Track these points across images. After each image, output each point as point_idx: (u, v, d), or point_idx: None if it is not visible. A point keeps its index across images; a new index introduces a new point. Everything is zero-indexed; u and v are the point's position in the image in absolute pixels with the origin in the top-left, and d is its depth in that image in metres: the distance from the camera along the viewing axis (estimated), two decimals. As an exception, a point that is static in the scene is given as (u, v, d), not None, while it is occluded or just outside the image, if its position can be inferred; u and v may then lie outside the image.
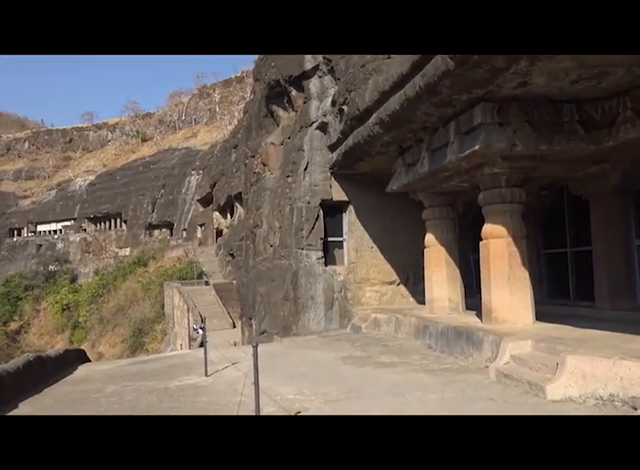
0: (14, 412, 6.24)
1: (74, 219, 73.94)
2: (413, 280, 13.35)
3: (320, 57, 12.34)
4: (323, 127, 12.57)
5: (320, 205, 12.81)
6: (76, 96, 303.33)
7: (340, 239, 13.36)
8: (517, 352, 6.53)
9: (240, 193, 26.40)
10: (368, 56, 9.09)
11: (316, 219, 12.75)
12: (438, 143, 8.69)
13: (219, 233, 43.82)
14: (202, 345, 10.45)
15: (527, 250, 8.41)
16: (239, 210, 33.05)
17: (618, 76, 6.38)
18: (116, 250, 63.32)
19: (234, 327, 25.67)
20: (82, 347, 26.61)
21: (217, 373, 8.01)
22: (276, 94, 14.58)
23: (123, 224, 67.77)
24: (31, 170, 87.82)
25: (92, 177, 77.04)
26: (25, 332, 52.91)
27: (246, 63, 70.33)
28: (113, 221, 70.31)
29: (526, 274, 8.16)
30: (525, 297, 8.11)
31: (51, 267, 59.22)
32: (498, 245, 8.14)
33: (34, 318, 54.10)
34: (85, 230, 72.00)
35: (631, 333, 6.57)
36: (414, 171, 9.73)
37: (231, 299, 28.74)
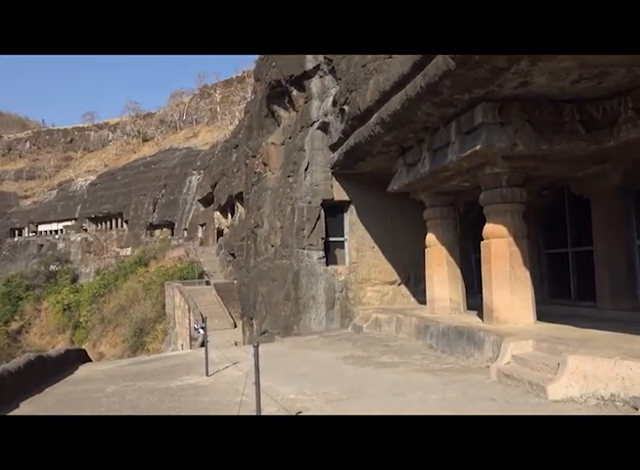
0: (15, 412, 6.25)
1: (75, 219, 74.02)
2: (414, 280, 13.35)
3: (321, 57, 12.34)
4: (324, 127, 12.57)
5: (321, 204, 12.81)
6: (77, 96, 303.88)
7: (341, 239, 13.36)
8: (518, 352, 6.52)
9: (241, 193, 26.41)
10: (369, 56, 9.09)
11: (317, 219, 12.75)
12: (439, 143, 8.69)
13: (220, 233, 43.84)
14: (203, 344, 10.45)
15: (529, 250, 8.40)
16: (240, 209, 33.06)
17: (620, 76, 6.37)
18: (118, 250, 63.36)
19: (235, 327, 25.69)
20: (83, 347, 26.61)
21: (218, 373, 8.02)
22: (277, 94, 14.58)
23: (124, 224, 67.82)
24: (32, 170, 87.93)
25: (93, 177, 77.12)
26: (27, 332, 52.93)
27: (247, 63, 70.30)
28: (114, 221, 70.36)
29: (528, 274, 8.15)
30: (527, 297, 8.10)
31: (52, 267, 59.24)
32: (499, 245, 8.13)
33: (35, 318, 54.13)
34: (86, 230, 72.06)
35: (632, 333, 6.57)
36: (415, 171, 9.72)
37: (232, 299, 28.75)
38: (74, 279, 57.73)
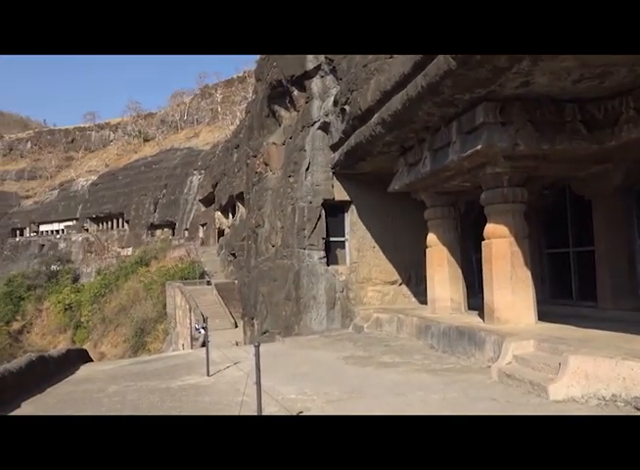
0: (16, 412, 6.26)
1: (77, 219, 74.07)
2: (415, 280, 13.35)
3: (322, 57, 12.34)
4: (325, 127, 12.57)
5: (322, 204, 12.81)
6: (79, 96, 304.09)
7: (342, 239, 13.36)
8: (519, 352, 6.52)
9: (242, 193, 26.40)
10: (370, 56, 9.09)
11: (318, 219, 12.75)
12: (440, 143, 8.68)
13: (221, 233, 43.85)
14: (204, 344, 10.45)
15: (530, 249, 8.40)
16: (241, 209, 33.08)
17: (621, 76, 6.36)
18: (119, 249, 63.40)
19: (236, 327, 25.69)
20: (84, 346, 26.65)
21: (219, 373, 8.02)
22: (278, 94, 14.58)
23: (125, 224, 67.86)
24: (34, 170, 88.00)
25: (94, 177, 77.15)
26: (28, 332, 52.98)
27: (248, 63, 70.29)
28: (115, 221, 70.40)
29: (529, 274, 8.14)
30: (528, 297, 8.10)
31: (53, 267, 59.28)
32: (500, 245, 8.13)
33: (37, 318, 54.18)
34: (87, 230, 72.11)
35: (634, 333, 6.56)
36: (416, 171, 9.72)
37: (233, 298, 28.76)
38: (76, 279, 57.77)
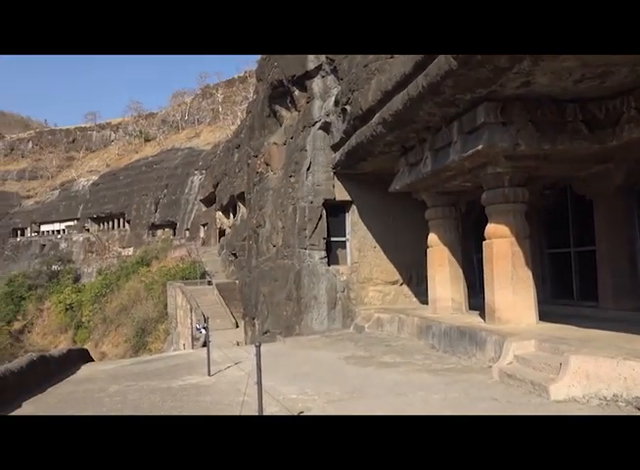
0: (17, 412, 6.26)
1: (78, 219, 74.14)
2: (416, 280, 13.34)
3: (323, 57, 12.34)
4: (326, 127, 12.57)
5: (323, 204, 12.81)
6: (80, 96, 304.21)
7: (342, 239, 13.36)
8: (520, 352, 6.51)
9: (242, 193, 26.41)
10: (371, 56, 9.08)
11: (319, 219, 12.75)
12: (441, 143, 8.68)
13: (222, 233, 43.87)
14: (204, 344, 10.45)
15: (531, 249, 8.39)
16: (242, 209, 33.09)
17: (622, 76, 6.35)
18: (120, 249, 63.45)
19: (237, 327, 25.70)
20: (85, 346, 26.64)
21: (220, 373, 8.02)
22: (279, 94, 14.59)
23: (126, 224, 67.90)
24: (35, 170, 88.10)
25: (95, 177, 77.21)
26: (29, 332, 53.06)
27: (249, 63, 70.34)
28: (116, 221, 70.46)
29: (530, 274, 8.14)
30: (529, 297, 8.09)
31: (54, 267, 59.35)
32: (501, 245, 8.12)
33: (38, 318, 54.25)
34: (88, 230, 72.17)
35: (635, 333, 6.55)
36: (417, 171, 9.71)
37: (234, 298, 28.77)
38: (77, 279, 57.84)
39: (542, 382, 5.51)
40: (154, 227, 62.89)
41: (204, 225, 52.30)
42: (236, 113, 59.48)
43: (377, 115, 9.18)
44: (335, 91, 12.07)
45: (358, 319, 12.33)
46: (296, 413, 5.28)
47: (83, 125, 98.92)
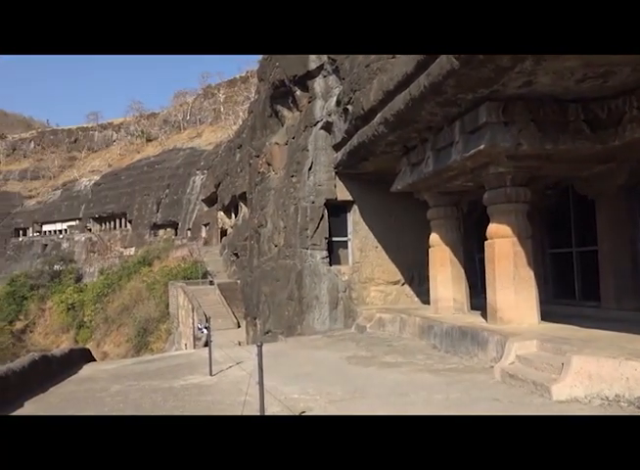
0: (19, 411, 6.27)
1: (79, 219, 74.28)
2: (418, 280, 13.33)
3: (324, 57, 12.33)
4: (327, 127, 12.56)
5: (324, 204, 12.80)
6: (81, 96, 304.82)
7: (344, 239, 13.36)
8: (522, 352, 6.50)
9: (244, 193, 26.45)
10: (373, 56, 9.08)
11: (321, 219, 12.75)
12: (443, 142, 8.67)
13: (224, 233, 43.94)
14: (206, 344, 10.45)
15: (533, 249, 8.38)
16: (243, 209, 33.14)
17: (625, 75, 6.34)
18: (121, 249, 63.54)
19: (238, 327, 25.73)
20: (87, 346, 26.66)
21: (222, 373, 8.02)
22: (280, 94, 14.59)
23: (128, 224, 68.00)
24: (37, 170, 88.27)
25: (97, 177, 77.36)
26: (31, 331, 53.18)
27: (250, 63, 70.40)
28: (117, 221, 70.57)
29: (532, 274, 8.13)
30: (531, 297, 8.08)
31: (56, 267, 59.50)
32: (503, 244, 8.11)
33: (40, 318, 54.38)
34: (90, 230, 72.30)
35: (637, 333, 6.54)
36: (419, 171, 9.71)
37: (235, 298, 28.80)
38: (78, 279, 57.97)
39: (544, 382, 5.51)
40: (155, 227, 63.00)
41: (205, 225, 52.37)
42: (238, 113, 59.57)
43: (378, 114, 9.18)
44: (336, 91, 12.07)
45: (360, 319, 12.33)
46: (297, 413, 5.28)
47: (85, 125, 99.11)
